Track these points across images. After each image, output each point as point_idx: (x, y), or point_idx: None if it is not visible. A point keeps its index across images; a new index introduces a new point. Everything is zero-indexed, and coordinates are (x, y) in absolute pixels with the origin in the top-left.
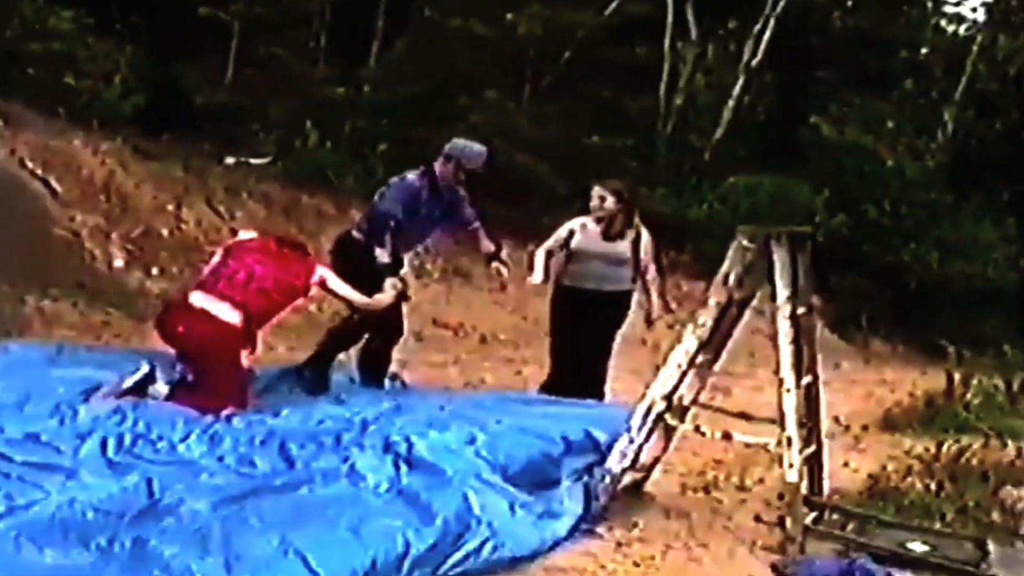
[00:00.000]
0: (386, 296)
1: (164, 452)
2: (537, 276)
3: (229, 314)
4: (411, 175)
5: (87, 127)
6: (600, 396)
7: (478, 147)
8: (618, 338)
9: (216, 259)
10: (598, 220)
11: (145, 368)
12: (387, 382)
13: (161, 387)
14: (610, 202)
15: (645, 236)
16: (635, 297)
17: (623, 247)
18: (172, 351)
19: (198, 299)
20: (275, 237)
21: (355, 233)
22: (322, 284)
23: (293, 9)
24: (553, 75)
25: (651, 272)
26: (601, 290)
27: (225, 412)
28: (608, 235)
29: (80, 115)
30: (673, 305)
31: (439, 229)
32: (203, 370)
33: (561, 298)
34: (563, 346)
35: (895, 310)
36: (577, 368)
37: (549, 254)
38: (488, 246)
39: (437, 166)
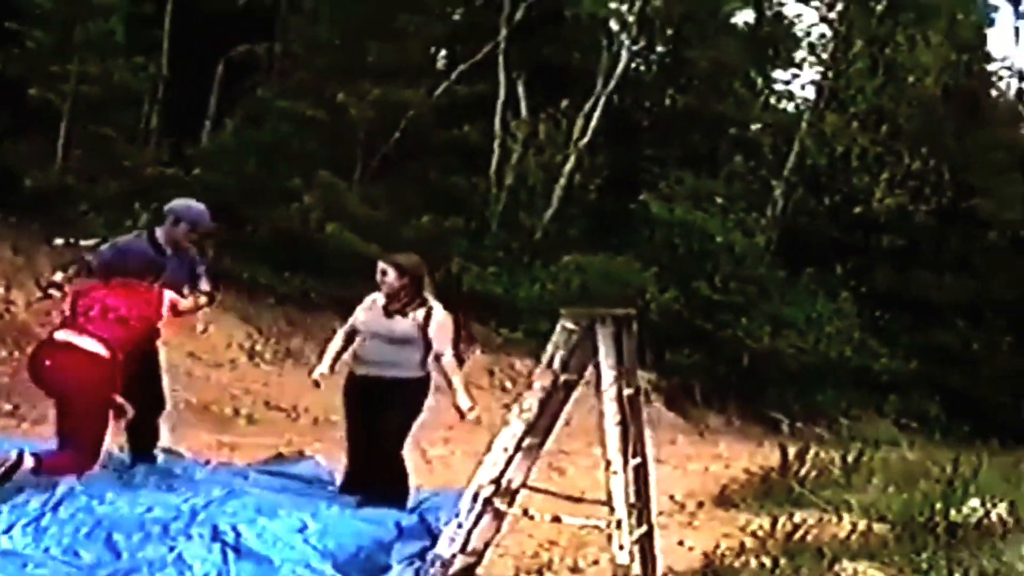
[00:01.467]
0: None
1: None
2: (321, 367)
3: (94, 346)
4: (130, 238)
5: None
6: (400, 493)
7: (200, 205)
8: (413, 428)
9: (67, 302)
10: (386, 297)
11: (13, 454)
12: (160, 455)
13: (28, 461)
14: (392, 276)
15: (439, 315)
16: (432, 382)
17: (405, 326)
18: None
19: (62, 335)
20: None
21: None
22: (173, 308)
23: (124, 89)
24: (384, 155)
25: (447, 356)
26: (382, 376)
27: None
28: (388, 312)
29: None
30: (508, 384)
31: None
32: (69, 413)
33: (349, 385)
34: (354, 438)
35: (729, 385)
36: (371, 461)
37: (348, 337)
38: (204, 286)
39: (162, 230)
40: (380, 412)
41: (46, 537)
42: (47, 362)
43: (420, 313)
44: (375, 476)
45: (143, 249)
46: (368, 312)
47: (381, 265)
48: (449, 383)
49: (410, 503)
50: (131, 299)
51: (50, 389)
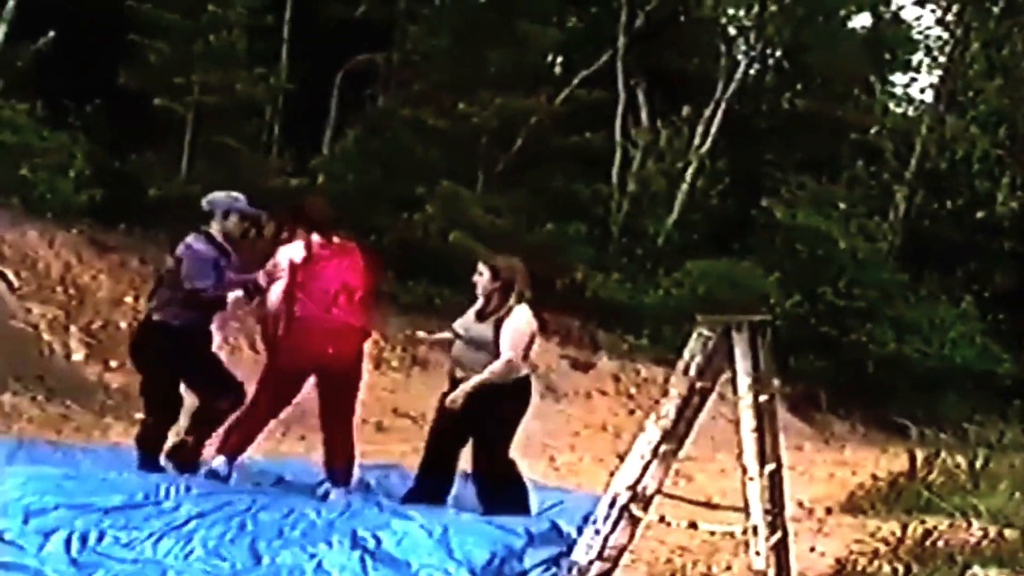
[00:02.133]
0: None
1: (133, 550)
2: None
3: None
4: (193, 242)
5: (42, 218)
6: (518, 499)
7: (235, 193)
8: (512, 432)
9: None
10: (482, 299)
11: None
12: (163, 460)
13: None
14: (486, 278)
15: (516, 318)
16: (528, 388)
17: (484, 329)
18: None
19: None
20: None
21: (156, 316)
22: None
23: (246, 99)
24: (506, 163)
25: (501, 357)
26: (456, 378)
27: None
28: (480, 315)
29: (35, 207)
30: (633, 390)
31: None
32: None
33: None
34: (430, 443)
35: (853, 390)
36: (477, 470)
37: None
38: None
39: (216, 226)
40: (471, 417)
41: (190, 544)
42: (329, 349)
43: (503, 315)
44: (484, 484)
45: (205, 248)
46: (465, 315)
47: (479, 266)
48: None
49: (535, 506)
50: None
51: (333, 371)
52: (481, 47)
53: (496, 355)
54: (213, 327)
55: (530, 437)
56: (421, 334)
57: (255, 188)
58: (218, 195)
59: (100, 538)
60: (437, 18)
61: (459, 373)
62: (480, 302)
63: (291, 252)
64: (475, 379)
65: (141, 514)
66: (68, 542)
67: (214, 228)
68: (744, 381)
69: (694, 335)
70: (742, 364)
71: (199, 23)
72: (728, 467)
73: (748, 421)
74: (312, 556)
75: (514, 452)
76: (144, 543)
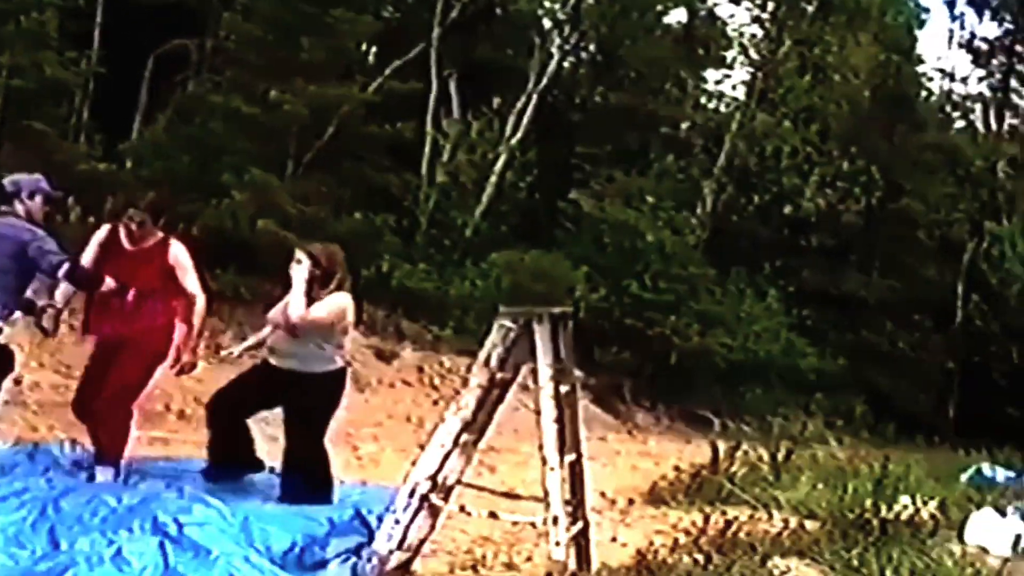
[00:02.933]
0: None
1: None
2: (232, 349)
3: None
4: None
5: None
6: (325, 488)
7: (38, 175)
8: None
9: None
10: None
11: None
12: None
13: None
14: (305, 266)
15: (336, 298)
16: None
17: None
18: None
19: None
20: None
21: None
22: None
23: (55, 82)
24: (316, 152)
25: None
26: (271, 365)
27: None
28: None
29: None
30: (437, 381)
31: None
32: None
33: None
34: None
35: (658, 382)
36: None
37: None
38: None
39: (20, 207)
40: (289, 406)
41: None
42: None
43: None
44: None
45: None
46: (279, 304)
47: (297, 253)
48: None
49: (336, 497)
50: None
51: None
52: (295, 35)
53: (317, 342)
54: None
55: (333, 427)
56: (226, 352)
57: (63, 172)
58: (21, 176)
59: None
60: (251, 4)
61: (274, 361)
62: (299, 289)
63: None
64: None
65: None
66: None
67: (19, 209)
68: (545, 372)
69: (495, 326)
70: (543, 356)
71: (10, 3)
72: (531, 457)
73: (549, 411)
74: (111, 543)
75: None
76: None
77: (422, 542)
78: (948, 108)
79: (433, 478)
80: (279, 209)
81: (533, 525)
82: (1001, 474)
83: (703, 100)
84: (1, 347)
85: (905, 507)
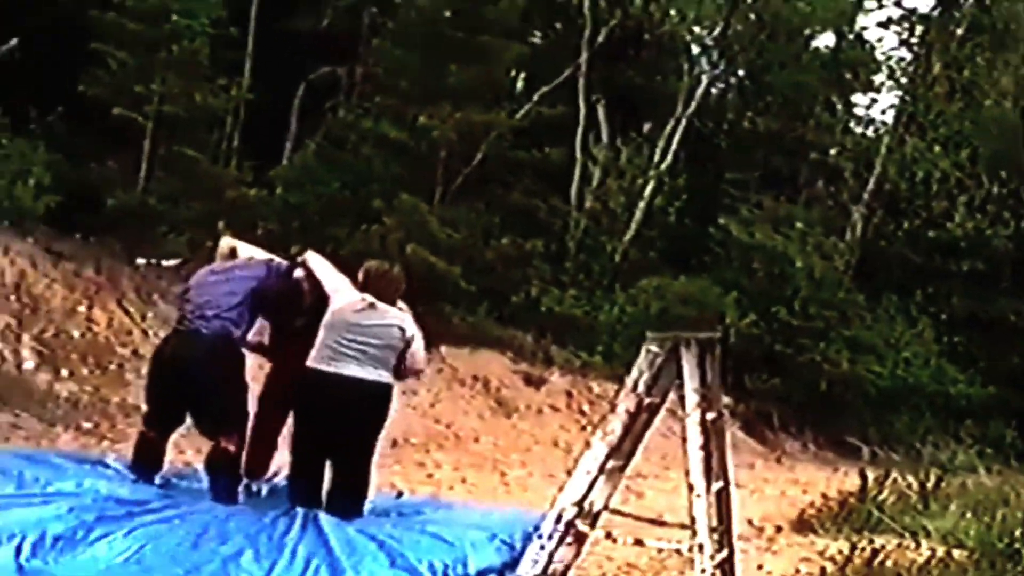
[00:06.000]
0: None
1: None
2: None
3: None
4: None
5: None
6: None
7: None
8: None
9: None
10: None
11: None
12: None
13: None
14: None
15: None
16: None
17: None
18: None
19: None
20: None
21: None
22: None
23: (206, 109)
24: (465, 178)
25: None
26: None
27: None
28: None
29: None
30: (586, 407)
31: None
32: None
33: None
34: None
35: (807, 410)
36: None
37: None
38: None
39: None
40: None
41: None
42: None
43: None
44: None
45: None
46: None
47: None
48: None
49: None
50: None
51: None
52: (444, 61)
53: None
54: None
55: (482, 452)
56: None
57: (213, 198)
58: None
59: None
60: (401, 31)
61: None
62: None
63: None
64: None
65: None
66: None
67: None
68: (692, 398)
69: (642, 351)
70: (690, 381)
71: (162, 32)
72: (679, 484)
73: (695, 438)
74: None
75: (464, 467)
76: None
77: (567, 568)
78: None
79: (579, 504)
80: (428, 235)
81: (679, 552)
82: None
83: (852, 125)
84: None
85: None
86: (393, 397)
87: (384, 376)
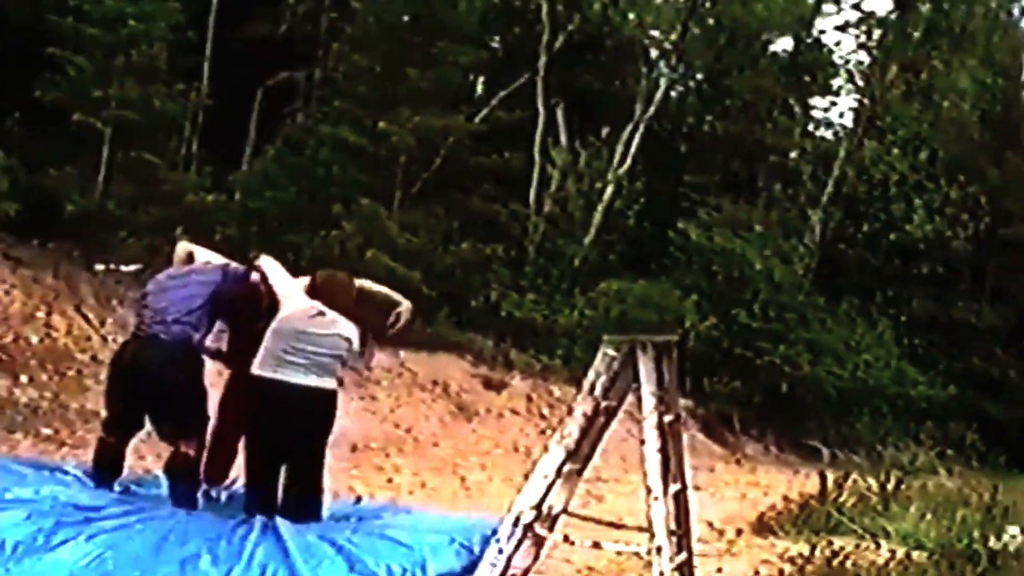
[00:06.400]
0: None
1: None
2: None
3: None
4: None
5: None
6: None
7: None
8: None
9: None
10: None
11: None
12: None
13: None
14: None
15: None
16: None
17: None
18: None
19: None
20: None
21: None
22: None
23: (165, 115)
24: (424, 182)
25: None
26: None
27: None
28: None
29: None
30: (546, 411)
31: None
32: None
33: None
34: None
35: (767, 412)
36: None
37: None
38: None
39: None
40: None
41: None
42: None
43: None
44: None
45: None
46: None
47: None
48: None
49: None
50: None
51: None
52: (402, 66)
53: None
54: None
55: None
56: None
57: (172, 203)
58: None
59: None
60: (360, 36)
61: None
62: None
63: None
64: None
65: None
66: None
67: None
68: (649, 401)
69: (599, 355)
70: (646, 384)
71: (120, 37)
72: (639, 487)
73: (652, 441)
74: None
75: (424, 472)
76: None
77: (526, 572)
78: None
79: (537, 507)
80: (388, 240)
81: (638, 555)
82: None
83: (810, 128)
84: None
85: (1014, 538)
86: (337, 403)
87: (328, 383)
